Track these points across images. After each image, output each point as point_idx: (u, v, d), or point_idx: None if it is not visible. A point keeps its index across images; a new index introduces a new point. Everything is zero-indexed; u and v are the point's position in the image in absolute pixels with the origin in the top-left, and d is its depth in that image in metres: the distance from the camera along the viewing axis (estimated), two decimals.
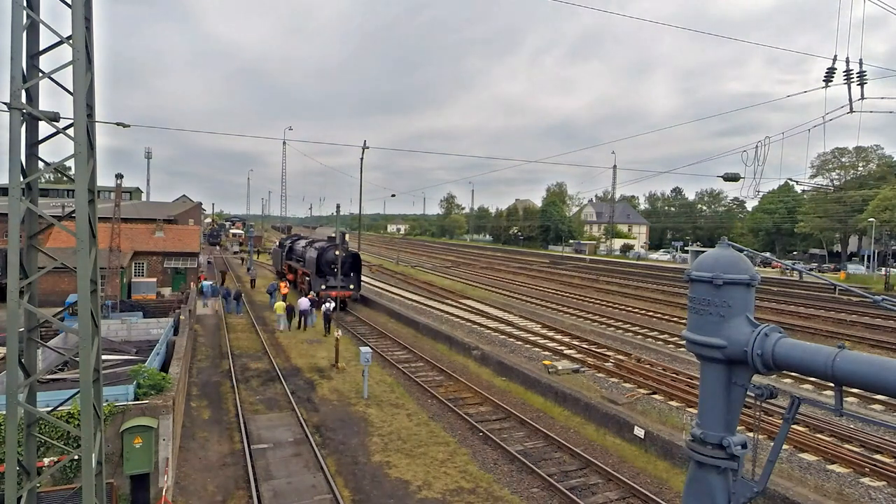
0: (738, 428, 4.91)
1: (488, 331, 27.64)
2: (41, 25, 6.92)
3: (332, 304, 27.49)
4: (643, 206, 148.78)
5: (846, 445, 14.05)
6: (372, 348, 23.68)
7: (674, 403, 17.18)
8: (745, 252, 4.98)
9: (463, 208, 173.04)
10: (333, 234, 38.48)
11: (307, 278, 36.57)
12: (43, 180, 29.19)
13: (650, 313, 35.04)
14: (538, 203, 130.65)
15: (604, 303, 39.90)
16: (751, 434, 5.17)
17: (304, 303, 29.11)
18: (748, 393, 4.66)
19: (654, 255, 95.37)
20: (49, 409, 9.04)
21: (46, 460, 10.18)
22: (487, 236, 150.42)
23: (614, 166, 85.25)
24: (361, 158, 49.92)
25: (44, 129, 7.25)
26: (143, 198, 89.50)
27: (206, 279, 42.31)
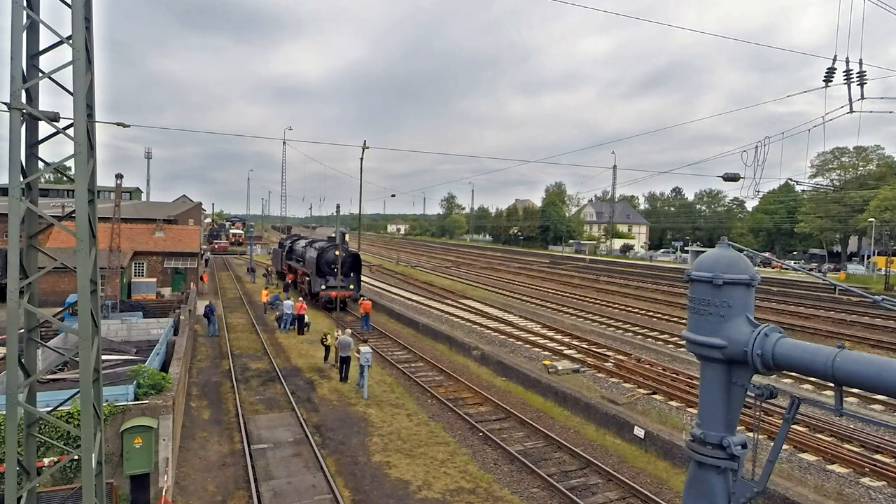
0: (738, 428, 4.91)
1: (488, 331, 27.64)
2: (41, 25, 6.92)
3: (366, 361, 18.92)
4: (643, 206, 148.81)
5: (846, 445, 14.04)
6: (372, 348, 23.67)
7: (674, 403, 17.18)
8: (745, 252, 4.98)
9: (463, 208, 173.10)
10: (333, 235, 38.47)
11: (307, 278, 36.58)
12: (43, 180, 29.16)
13: (650, 313, 35.04)
14: (538, 203, 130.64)
15: (604, 303, 39.89)
16: (751, 434, 5.17)
17: (345, 341, 20.66)
18: (748, 393, 4.66)
19: (659, 255, 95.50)
20: (49, 409, 9.03)
21: (46, 460, 10.18)
22: (487, 236, 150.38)
23: (614, 166, 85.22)
24: (361, 158, 49.92)
25: (44, 129, 7.26)
26: (143, 198, 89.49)
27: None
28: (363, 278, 40.65)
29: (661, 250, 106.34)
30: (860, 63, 11.96)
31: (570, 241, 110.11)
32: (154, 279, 37.40)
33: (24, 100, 6.64)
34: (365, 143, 47.27)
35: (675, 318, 32.73)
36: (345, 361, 20.30)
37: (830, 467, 12.94)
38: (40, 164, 7.47)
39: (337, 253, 32.87)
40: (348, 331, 21.77)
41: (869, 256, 68.36)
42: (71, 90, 6.72)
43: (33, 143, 7.14)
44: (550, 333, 27.39)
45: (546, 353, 23.59)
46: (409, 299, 38.70)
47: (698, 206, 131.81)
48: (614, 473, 13.07)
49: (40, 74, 6.99)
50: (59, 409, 9.75)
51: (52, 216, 8.25)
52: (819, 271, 62.89)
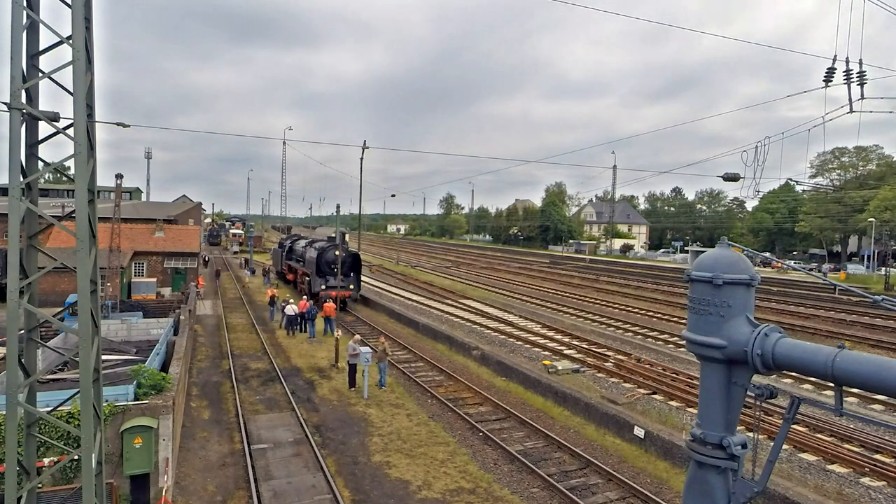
0: (738, 428, 4.91)
1: (488, 331, 27.63)
2: (41, 25, 6.92)
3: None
4: (643, 206, 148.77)
5: (846, 445, 14.04)
6: (372, 348, 23.67)
7: (674, 403, 17.17)
8: (745, 252, 4.98)
9: (462, 208, 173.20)
10: (333, 234, 38.47)
11: (307, 278, 36.58)
12: (43, 180, 29.12)
13: (650, 313, 35.04)
14: (539, 203, 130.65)
15: (604, 303, 39.89)
16: (751, 434, 5.17)
17: (352, 348, 19.86)
18: (748, 393, 4.66)
19: (659, 255, 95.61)
20: (49, 409, 9.03)
21: (46, 460, 10.18)
22: (487, 236, 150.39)
23: (614, 166, 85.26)
24: (361, 158, 49.93)
25: (44, 129, 7.26)
26: (143, 198, 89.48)
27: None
28: (363, 278, 40.65)
29: (661, 250, 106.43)
30: (860, 63, 11.95)
31: (570, 241, 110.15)
32: (154, 279, 37.40)
33: (24, 100, 6.64)
34: (365, 143, 47.28)
35: (675, 318, 32.73)
36: (355, 368, 19.49)
37: (830, 467, 12.94)
38: (40, 164, 7.47)
39: (337, 253, 32.86)
40: (357, 336, 21.06)
41: (869, 256, 68.36)
42: (71, 90, 6.72)
43: (33, 143, 7.14)
44: (550, 333, 27.38)
45: (546, 352, 23.58)
46: (409, 299, 38.69)
47: (698, 206, 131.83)
48: (614, 473, 13.07)
49: (40, 74, 6.99)
50: (59, 409, 9.75)
51: (52, 216, 8.26)
52: (819, 271, 62.88)
